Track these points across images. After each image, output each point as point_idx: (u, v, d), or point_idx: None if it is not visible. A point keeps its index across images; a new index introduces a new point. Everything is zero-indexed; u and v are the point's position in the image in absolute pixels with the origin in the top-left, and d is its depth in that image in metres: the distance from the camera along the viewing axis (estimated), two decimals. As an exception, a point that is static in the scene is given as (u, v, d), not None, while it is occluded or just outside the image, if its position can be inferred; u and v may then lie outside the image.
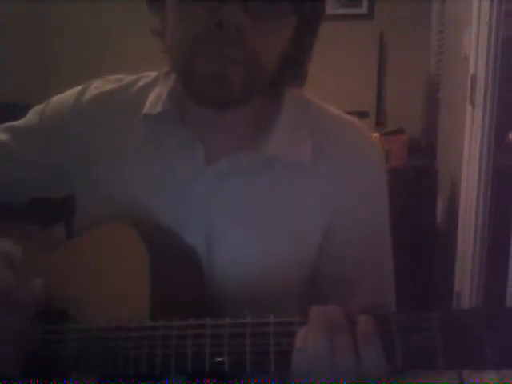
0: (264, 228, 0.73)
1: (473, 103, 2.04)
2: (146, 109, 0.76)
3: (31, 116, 0.84)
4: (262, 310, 0.58)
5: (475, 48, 2.00)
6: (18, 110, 0.86)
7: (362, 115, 2.27)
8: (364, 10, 3.30)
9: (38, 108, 0.85)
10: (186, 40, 0.66)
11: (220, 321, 0.57)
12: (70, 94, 0.83)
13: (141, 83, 0.80)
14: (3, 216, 0.83)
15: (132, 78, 0.82)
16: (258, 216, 0.73)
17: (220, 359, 0.56)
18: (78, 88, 0.83)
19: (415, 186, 2.59)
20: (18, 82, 3.26)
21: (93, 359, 0.62)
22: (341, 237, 0.75)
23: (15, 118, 0.86)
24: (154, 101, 0.76)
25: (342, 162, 0.75)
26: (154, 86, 0.78)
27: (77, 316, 0.68)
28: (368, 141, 0.80)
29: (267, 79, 0.71)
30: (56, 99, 0.84)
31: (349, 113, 0.83)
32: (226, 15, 0.62)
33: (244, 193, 0.73)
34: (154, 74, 0.81)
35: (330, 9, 3.31)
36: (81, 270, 0.71)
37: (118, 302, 0.65)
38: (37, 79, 3.30)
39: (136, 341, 0.60)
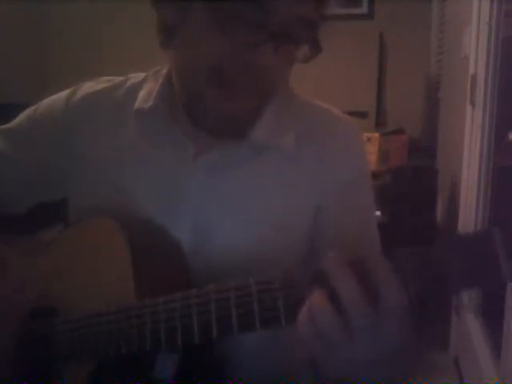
0: (253, 216, 0.75)
1: (473, 103, 2.04)
2: (138, 104, 0.77)
3: (21, 118, 0.85)
4: None
5: (475, 48, 2.00)
6: (18, 110, 0.86)
7: (361, 115, 2.27)
8: (364, 10, 3.31)
9: (28, 110, 0.85)
10: (204, 66, 0.66)
11: (204, 289, 0.59)
12: (61, 95, 0.84)
13: (130, 82, 0.82)
14: (2, 216, 0.84)
15: (121, 78, 0.84)
16: (247, 205, 0.75)
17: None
18: (68, 90, 0.84)
19: (415, 186, 2.59)
20: (18, 82, 3.26)
21: (85, 346, 0.64)
22: (329, 221, 0.77)
23: (15, 118, 0.86)
24: (145, 96, 0.77)
25: (324, 149, 0.77)
26: (143, 83, 0.80)
27: (65, 311, 0.69)
28: (347, 128, 0.82)
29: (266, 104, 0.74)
30: (47, 101, 0.84)
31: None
32: (258, 56, 0.64)
33: (233, 182, 0.75)
34: (142, 74, 0.83)
35: (330, 9, 3.31)
36: (66, 267, 0.72)
37: (103, 296, 0.66)
38: (37, 79, 3.30)
39: (126, 321, 0.61)
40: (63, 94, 0.83)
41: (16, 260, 0.77)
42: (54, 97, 0.84)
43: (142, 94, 0.78)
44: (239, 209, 0.75)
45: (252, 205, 0.75)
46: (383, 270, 0.51)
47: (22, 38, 3.33)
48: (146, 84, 0.79)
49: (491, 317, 1.86)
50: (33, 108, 0.85)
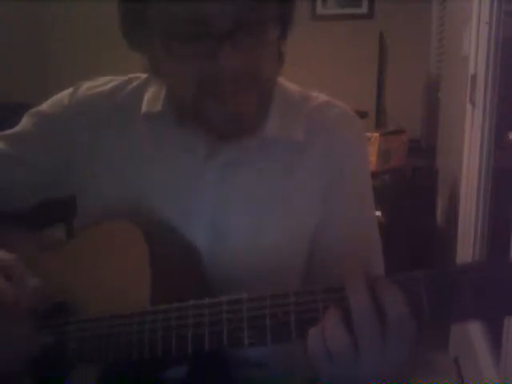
0: (267, 214, 0.75)
1: (473, 103, 2.04)
2: (145, 108, 0.77)
3: (26, 120, 0.85)
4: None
5: (475, 48, 2.00)
6: (18, 110, 0.86)
7: (361, 115, 2.26)
8: (364, 9, 3.31)
9: (31, 112, 0.85)
10: (190, 84, 0.66)
11: (217, 299, 0.58)
12: (63, 94, 0.83)
13: (133, 84, 0.82)
14: (5, 217, 0.84)
15: (123, 78, 0.83)
16: (260, 203, 0.75)
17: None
18: (69, 90, 0.84)
19: (415, 185, 2.59)
20: (18, 82, 3.26)
21: (96, 349, 0.64)
22: (333, 210, 0.77)
23: (15, 118, 0.86)
24: (152, 100, 0.77)
25: (326, 138, 0.78)
26: (147, 86, 0.79)
27: (79, 312, 0.68)
28: (349, 118, 0.82)
29: (268, 90, 0.73)
30: (49, 102, 0.84)
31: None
32: (223, 61, 0.63)
33: (245, 181, 0.75)
34: (144, 75, 0.82)
35: (330, 9, 3.32)
36: (82, 267, 0.72)
37: (119, 297, 0.66)
38: (37, 79, 3.30)
39: (137, 326, 0.61)
40: (65, 94, 0.83)
41: (31, 255, 0.77)
42: (56, 97, 0.84)
43: (147, 96, 0.78)
44: (253, 207, 0.75)
45: (265, 203, 0.75)
46: (392, 294, 0.52)
47: (22, 38, 3.33)
48: (150, 87, 0.78)
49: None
50: (35, 110, 0.85)
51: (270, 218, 0.75)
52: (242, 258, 0.73)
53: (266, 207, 0.75)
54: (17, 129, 0.85)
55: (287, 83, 0.82)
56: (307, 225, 0.77)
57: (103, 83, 0.83)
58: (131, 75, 0.84)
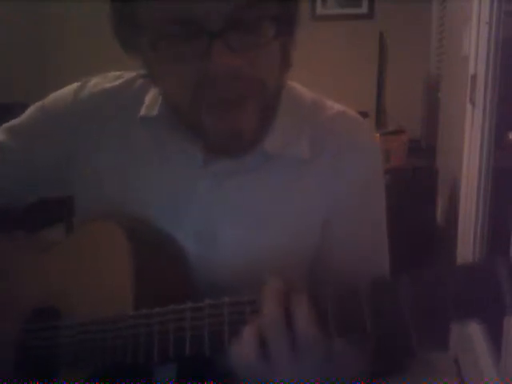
0: (263, 225, 0.74)
1: (473, 103, 2.04)
2: (143, 111, 0.76)
3: (29, 114, 0.84)
4: None
5: (475, 48, 2.00)
6: (18, 110, 0.86)
7: (361, 115, 2.26)
8: (364, 9, 3.31)
9: (36, 105, 0.84)
10: (186, 87, 0.64)
11: (198, 303, 0.59)
12: (69, 89, 0.82)
13: (139, 82, 0.80)
14: (4, 216, 0.84)
15: (130, 75, 0.82)
16: (255, 213, 0.74)
17: None
18: (75, 85, 0.82)
19: (415, 185, 2.59)
20: (18, 82, 3.26)
21: (81, 353, 0.64)
22: (338, 228, 0.75)
23: (15, 118, 0.86)
24: (151, 104, 0.76)
25: (336, 152, 0.75)
26: (151, 86, 0.78)
27: (67, 314, 0.68)
28: (361, 128, 0.80)
29: (272, 98, 0.71)
30: (53, 97, 0.83)
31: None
32: (217, 58, 0.60)
33: (242, 190, 0.74)
34: None
35: (330, 9, 3.32)
36: (69, 268, 0.72)
37: (103, 298, 0.66)
38: (37, 79, 3.30)
39: (118, 331, 0.61)
40: (71, 89, 0.82)
41: (22, 257, 0.77)
42: (62, 91, 0.83)
43: (148, 99, 0.76)
44: (247, 216, 0.74)
45: (260, 213, 0.74)
46: (300, 305, 0.53)
47: (21, 38, 3.33)
48: (152, 88, 0.77)
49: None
50: (39, 103, 0.84)
51: (268, 227, 0.73)
52: (230, 266, 0.72)
53: (263, 216, 0.74)
54: (19, 121, 0.84)
55: (300, 88, 0.79)
56: (302, 241, 0.75)
57: (110, 80, 0.82)
58: (139, 72, 0.81)
